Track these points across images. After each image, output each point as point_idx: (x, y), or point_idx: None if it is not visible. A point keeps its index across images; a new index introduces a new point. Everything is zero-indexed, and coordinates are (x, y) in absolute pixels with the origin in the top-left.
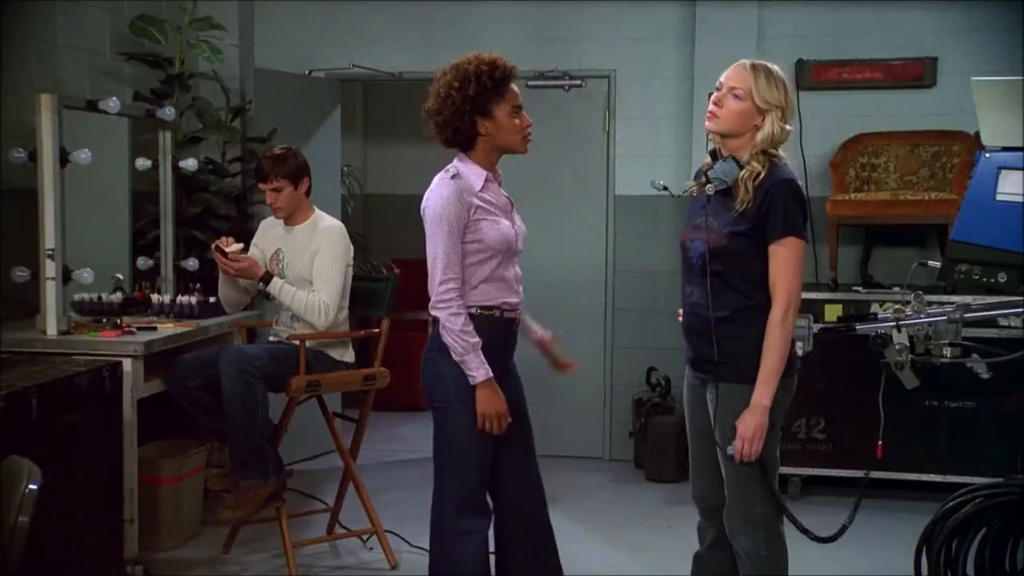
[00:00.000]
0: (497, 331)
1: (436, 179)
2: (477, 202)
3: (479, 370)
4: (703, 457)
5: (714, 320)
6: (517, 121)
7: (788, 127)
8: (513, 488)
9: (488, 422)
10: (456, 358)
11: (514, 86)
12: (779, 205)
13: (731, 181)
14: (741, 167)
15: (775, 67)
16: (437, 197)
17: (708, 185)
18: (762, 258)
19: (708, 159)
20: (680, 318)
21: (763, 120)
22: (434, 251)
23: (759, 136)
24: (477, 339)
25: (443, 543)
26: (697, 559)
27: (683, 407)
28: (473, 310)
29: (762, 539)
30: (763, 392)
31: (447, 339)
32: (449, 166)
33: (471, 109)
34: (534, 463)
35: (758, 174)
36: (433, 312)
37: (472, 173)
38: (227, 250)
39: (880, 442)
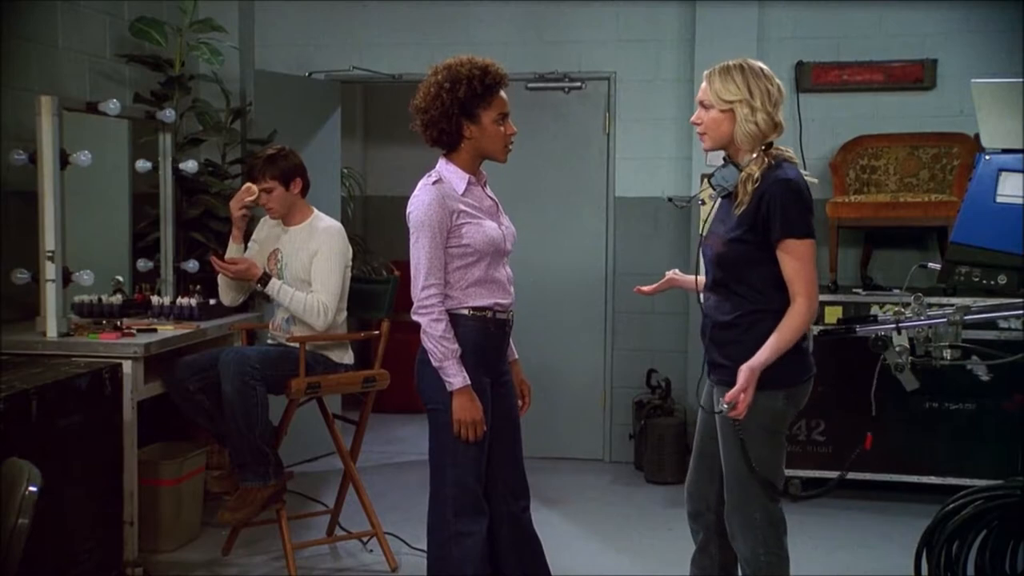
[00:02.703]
0: (490, 332)
1: (419, 185)
2: (460, 206)
3: (456, 377)
4: (701, 458)
5: (717, 324)
6: (502, 128)
7: (758, 119)
8: (500, 492)
9: (464, 429)
10: (435, 363)
11: (503, 93)
12: (776, 208)
13: (731, 186)
14: (741, 171)
15: (738, 62)
16: (419, 203)
17: (710, 192)
18: (762, 263)
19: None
20: None
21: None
22: (417, 256)
23: (736, 137)
24: (456, 346)
25: (441, 544)
26: (692, 561)
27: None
28: (466, 311)
29: (760, 543)
30: (759, 356)
31: (427, 344)
32: (432, 171)
33: (458, 112)
34: (522, 468)
35: (755, 176)
36: (414, 317)
37: (455, 176)
38: (247, 199)
39: (869, 433)
